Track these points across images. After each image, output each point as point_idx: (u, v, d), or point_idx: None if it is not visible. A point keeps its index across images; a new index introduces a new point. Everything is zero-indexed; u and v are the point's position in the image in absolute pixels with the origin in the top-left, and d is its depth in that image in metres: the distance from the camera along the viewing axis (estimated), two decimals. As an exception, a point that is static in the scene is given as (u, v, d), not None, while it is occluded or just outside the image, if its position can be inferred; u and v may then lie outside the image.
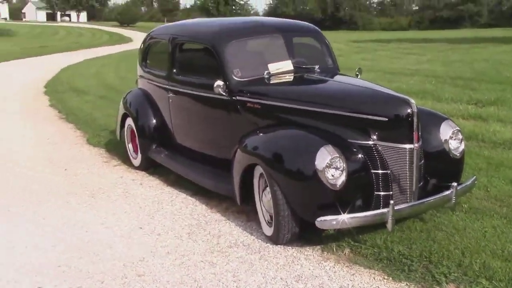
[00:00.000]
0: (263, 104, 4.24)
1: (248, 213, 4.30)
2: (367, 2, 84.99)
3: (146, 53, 6.02)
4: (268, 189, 3.74)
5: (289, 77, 4.59)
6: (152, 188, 5.14)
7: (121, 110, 6.11)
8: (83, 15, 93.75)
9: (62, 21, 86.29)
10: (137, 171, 5.74)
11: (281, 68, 4.64)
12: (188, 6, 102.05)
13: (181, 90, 5.05)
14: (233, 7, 67.38)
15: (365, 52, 21.58)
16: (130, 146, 5.99)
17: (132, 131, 5.90)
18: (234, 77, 4.42)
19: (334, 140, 3.59)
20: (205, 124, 4.86)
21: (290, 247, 3.69)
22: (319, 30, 5.40)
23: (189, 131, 5.16)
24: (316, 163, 3.41)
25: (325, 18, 69.67)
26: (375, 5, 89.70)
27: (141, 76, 6.13)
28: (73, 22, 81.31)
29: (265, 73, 4.49)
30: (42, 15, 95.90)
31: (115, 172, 5.77)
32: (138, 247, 3.78)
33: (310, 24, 5.47)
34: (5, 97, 11.57)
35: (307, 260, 3.51)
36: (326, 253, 3.61)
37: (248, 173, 3.96)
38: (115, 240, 3.92)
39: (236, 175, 4.05)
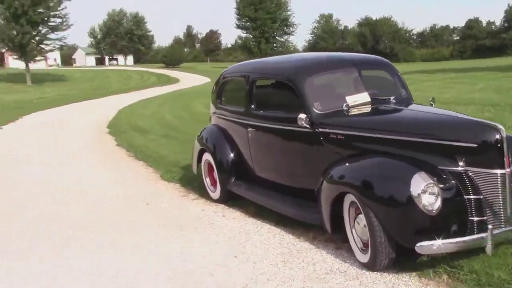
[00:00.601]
0: (347, 135, 4.39)
1: (336, 241, 4.41)
2: (407, 35, 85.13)
3: (220, 91, 6.33)
4: (360, 216, 3.86)
5: (368, 108, 4.75)
6: (236, 220, 5.33)
7: (197, 146, 6.39)
8: (130, 58, 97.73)
9: (110, 64, 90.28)
10: (216, 204, 5.96)
11: (358, 100, 4.81)
12: (229, 46, 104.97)
13: (260, 124, 5.28)
14: (274, 44, 68.67)
15: (413, 84, 21.39)
16: (207, 180, 6.24)
17: (209, 165, 6.15)
18: (315, 110, 4.62)
19: (426, 167, 3.70)
20: (287, 156, 5.04)
21: (387, 274, 3.76)
22: (390, 62, 5.58)
23: (269, 163, 5.36)
24: (411, 189, 3.53)
25: (365, 52, 70.02)
26: (415, 37, 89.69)
27: (215, 113, 6.43)
28: (121, 65, 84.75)
29: (343, 105, 4.66)
30: (91, 60, 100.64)
31: (195, 205, 6.01)
32: (237, 275, 3.93)
33: (381, 58, 5.68)
34: (73, 139, 12.17)
35: (407, 286, 3.57)
36: (423, 279, 3.65)
37: (335, 202, 4.10)
38: (214, 268, 4.09)
39: (325, 205, 4.19)
